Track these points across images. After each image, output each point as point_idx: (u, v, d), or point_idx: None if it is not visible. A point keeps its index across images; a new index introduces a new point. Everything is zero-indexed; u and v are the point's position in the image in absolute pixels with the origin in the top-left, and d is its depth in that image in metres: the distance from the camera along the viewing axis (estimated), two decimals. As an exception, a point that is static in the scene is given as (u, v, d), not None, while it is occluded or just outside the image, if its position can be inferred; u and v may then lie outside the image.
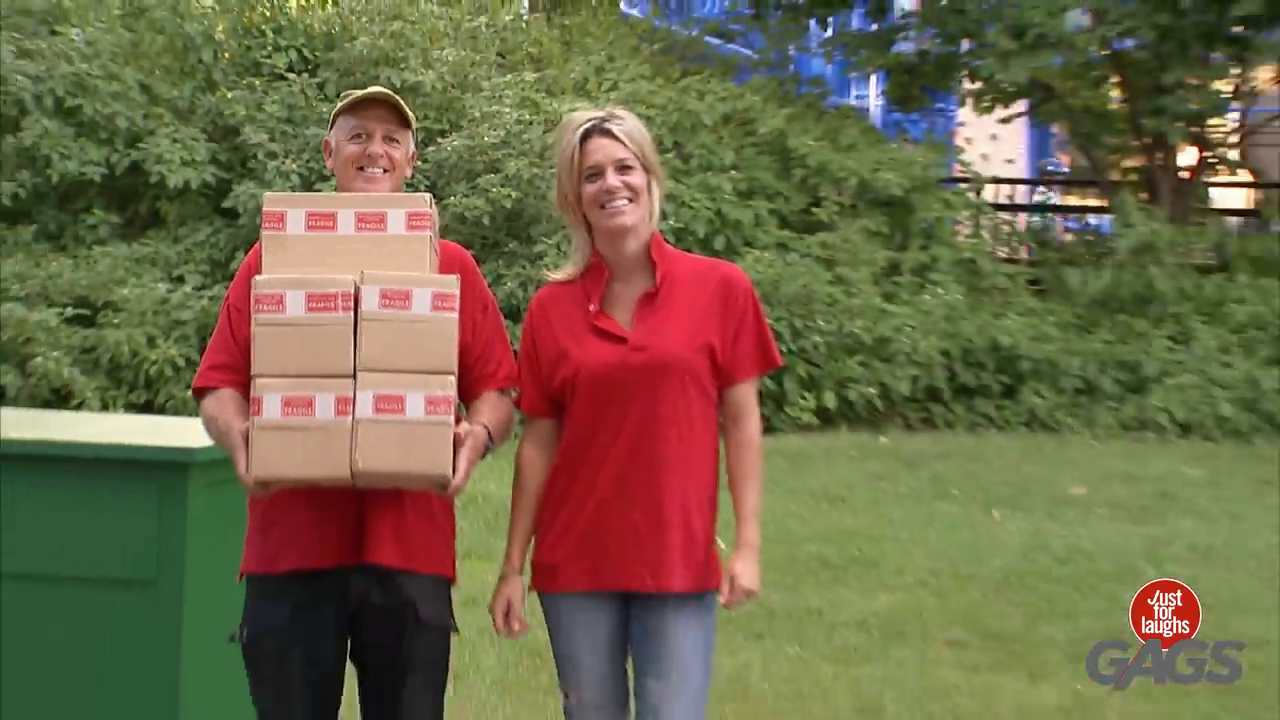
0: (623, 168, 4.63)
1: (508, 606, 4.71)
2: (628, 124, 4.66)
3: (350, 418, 4.39)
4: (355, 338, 4.45)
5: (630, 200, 4.63)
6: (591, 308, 4.68)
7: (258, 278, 4.49)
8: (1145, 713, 7.48)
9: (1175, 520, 11.44)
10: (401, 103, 4.79)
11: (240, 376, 4.60)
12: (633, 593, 4.69)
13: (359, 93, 4.82)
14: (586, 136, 4.64)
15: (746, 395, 4.76)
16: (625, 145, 4.65)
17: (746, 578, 4.62)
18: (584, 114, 4.71)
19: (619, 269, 4.71)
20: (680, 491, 4.66)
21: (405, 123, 4.80)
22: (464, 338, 4.62)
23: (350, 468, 4.39)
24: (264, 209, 4.56)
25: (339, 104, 4.82)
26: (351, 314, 4.44)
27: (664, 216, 15.33)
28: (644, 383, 4.62)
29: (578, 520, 4.70)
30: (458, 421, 4.55)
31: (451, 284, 4.47)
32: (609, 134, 4.65)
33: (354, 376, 4.42)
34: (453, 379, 4.48)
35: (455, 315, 4.47)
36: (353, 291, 4.44)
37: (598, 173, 4.63)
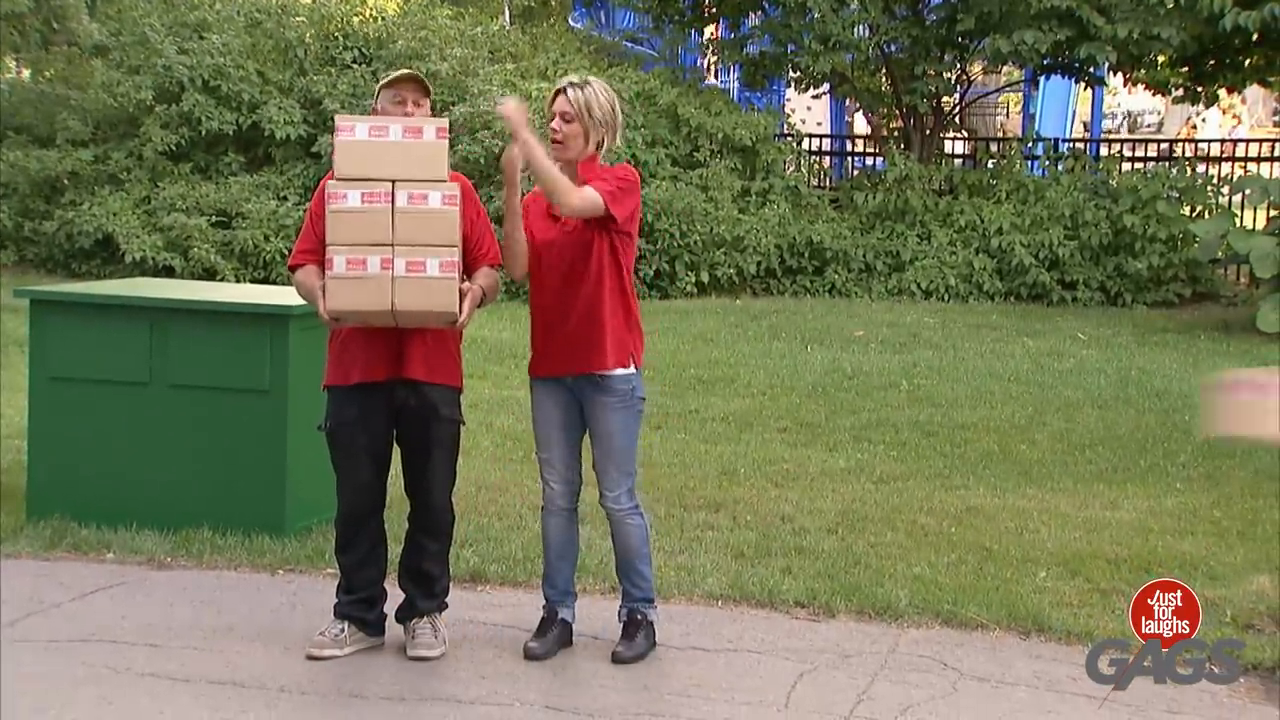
0: (565, 117, 4.67)
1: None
2: (580, 91, 4.65)
3: (391, 272, 4.47)
4: (393, 221, 4.50)
5: (559, 142, 4.68)
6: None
7: (331, 181, 4.55)
8: (895, 473, 7.57)
9: (920, 351, 11.52)
10: (424, 78, 4.83)
11: (317, 257, 4.64)
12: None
13: (397, 72, 4.80)
14: (555, 96, 4.70)
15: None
16: (570, 103, 4.65)
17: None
18: (565, 79, 4.74)
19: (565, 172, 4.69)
20: None
21: (426, 92, 4.78)
22: (466, 231, 4.66)
23: (391, 306, 4.47)
24: (337, 122, 4.59)
25: (383, 81, 4.79)
26: (390, 205, 4.50)
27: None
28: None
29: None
30: (462, 282, 4.60)
31: (454, 188, 4.59)
32: (564, 95, 4.68)
33: (392, 247, 4.48)
34: (456, 250, 4.53)
35: (457, 209, 4.56)
36: (391, 190, 4.51)
37: (551, 118, 4.69)
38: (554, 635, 4.83)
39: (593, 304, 4.64)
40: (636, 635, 4.82)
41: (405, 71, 4.80)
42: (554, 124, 4.65)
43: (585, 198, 4.55)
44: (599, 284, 4.64)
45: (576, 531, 4.92)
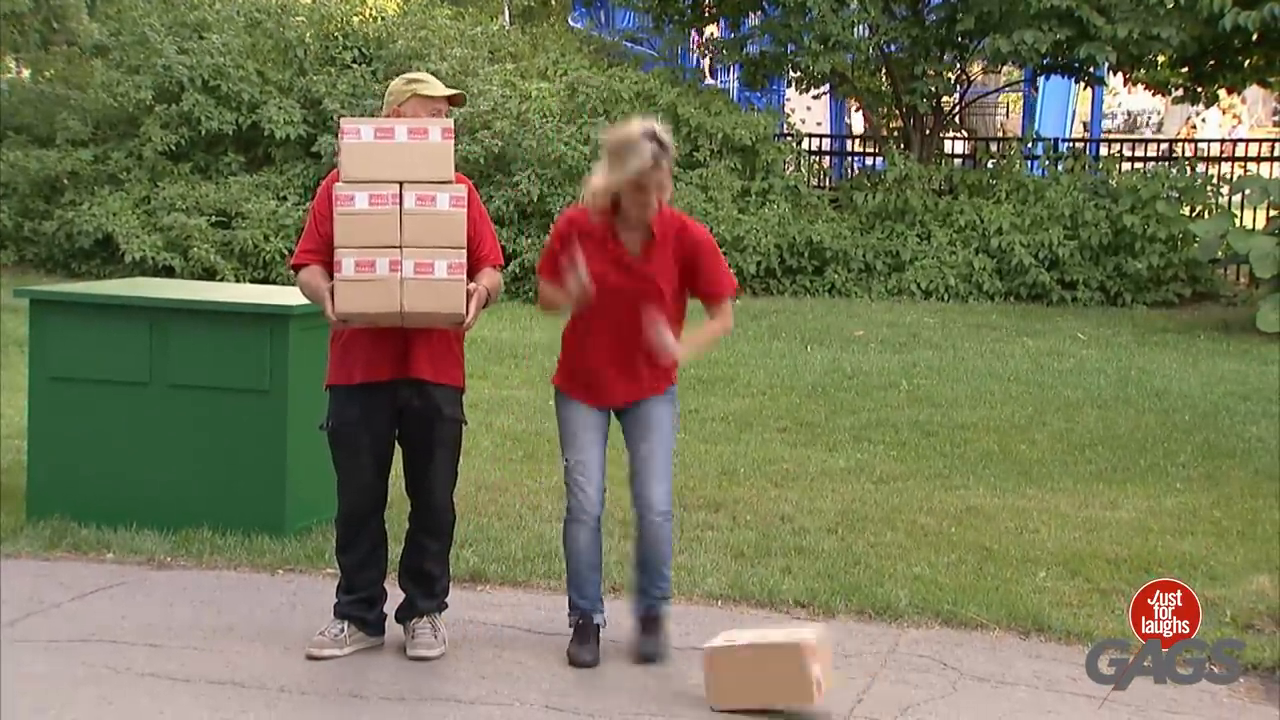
0: (660, 185, 4.51)
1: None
2: (669, 152, 4.48)
3: (400, 274, 4.48)
4: (400, 223, 4.52)
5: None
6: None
7: (338, 184, 4.56)
8: (896, 472, 7.57)
9: (920, 351, 11.53)
10: (465, 95, 4.88)
11: (321, 257, 4.66)
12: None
13: (445, 89, 4.77)
14: (647, 166, 4.42)
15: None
16: (666, 172, 4.49)
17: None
18: (646, 143, 4.41)
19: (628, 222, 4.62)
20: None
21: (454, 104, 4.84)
22: (469, 233, 4.67)
23: (400, 308, 4.48)
24: (342, 125, 4.59)
25: (420, 90, 4.74)
26: (398, 207, 4.52)
27: (596, 159, 15.16)
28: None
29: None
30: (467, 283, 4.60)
31: (462, 190, 4.61)
32: (659, 167, 4.46)
33: (400, 249, 4.50)
34: (464, 251, 4.54)
35: (465, 210, 4.57)
36: (398, 191, 4.52)
37: (644, 189, 4.48)
38: (595, 642, 4.78)
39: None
40: (659, 633, 4.81)
41: (453, 91, 4.80)
42: (649, 198, 4.48)
43: (730, 316, 4.77)
44: (670, 324, 4.60)
45: (601, 538, 4.85)
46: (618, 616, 4.96)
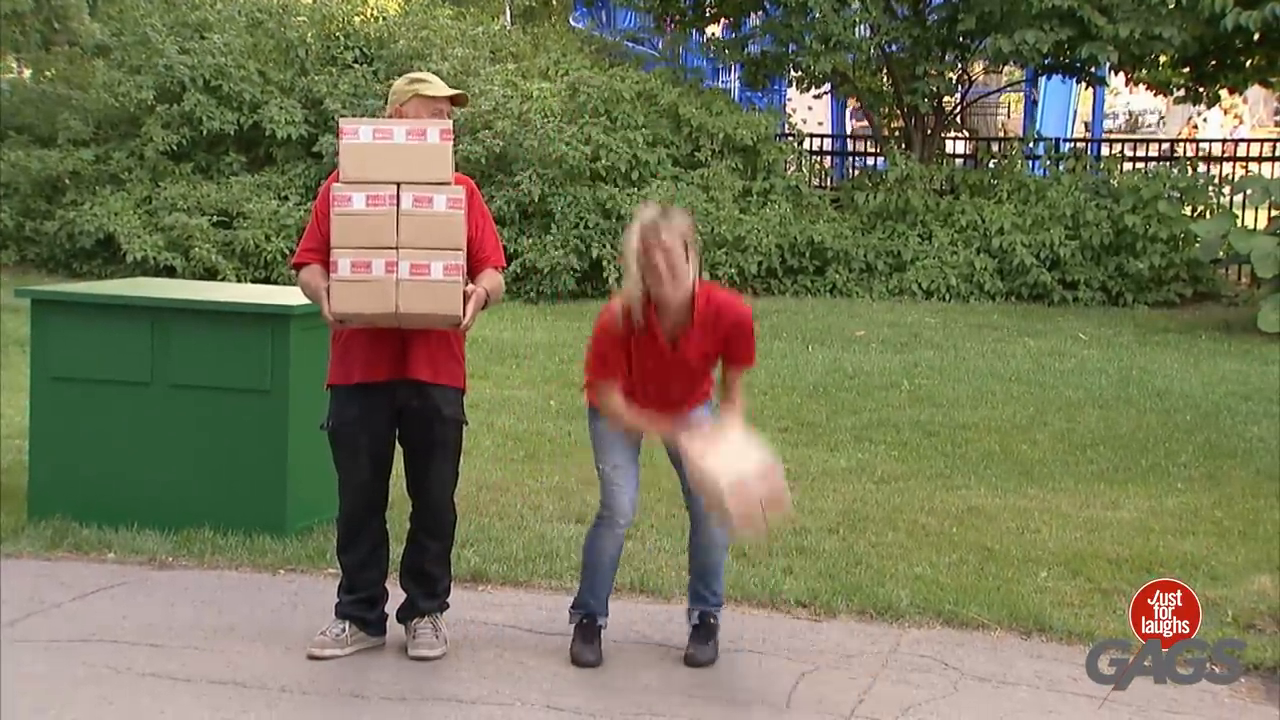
0: (664, 249, 4.40)
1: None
2: (672, 218, 4.42)
3: (395, 275, 4.48)
4: (397, 224, 4.52)
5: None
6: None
7: (335, 184, 4.57)
8: (898, 473, 7.56)
9: (921, 351, 11.51)
10: (468, 96, 4.87)
11: (322, 256, 4.66)
12: None
13: (447, 89, 4.78)
14: (646, 227, 4.40)
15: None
16: (669, 244, 4.39)
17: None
18: (643, 215, 4.43)
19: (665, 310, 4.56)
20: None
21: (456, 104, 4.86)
22: (471, 234, 4.66)
23: (395, 309, 4.49)
24: (341, 125, 4.59)
25: (423, 90, 4.75)
26: (395, 208, 4.53)
27: (597, 159, 15.14)
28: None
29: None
30: (466, 284, 4.61)
31: (459, 191, 4.60)
32: (656, 229, 4.40)
33: (396, 250, 4.50)
34: (461, 253, 4.54)
35: (462, 212, 4.57)
36: (396, 192, 4.52)
37: (648, 250, 4.40)
38: (598, 642, 4.81)
39: (696, 402, 4.72)
40: (712, 638, 4.81)
41: (455, 92, 4.80)
42: (659, 263, 4.37)
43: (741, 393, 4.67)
44: (705, 389, 4.71)
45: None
46: (618, 617, 4.96)
